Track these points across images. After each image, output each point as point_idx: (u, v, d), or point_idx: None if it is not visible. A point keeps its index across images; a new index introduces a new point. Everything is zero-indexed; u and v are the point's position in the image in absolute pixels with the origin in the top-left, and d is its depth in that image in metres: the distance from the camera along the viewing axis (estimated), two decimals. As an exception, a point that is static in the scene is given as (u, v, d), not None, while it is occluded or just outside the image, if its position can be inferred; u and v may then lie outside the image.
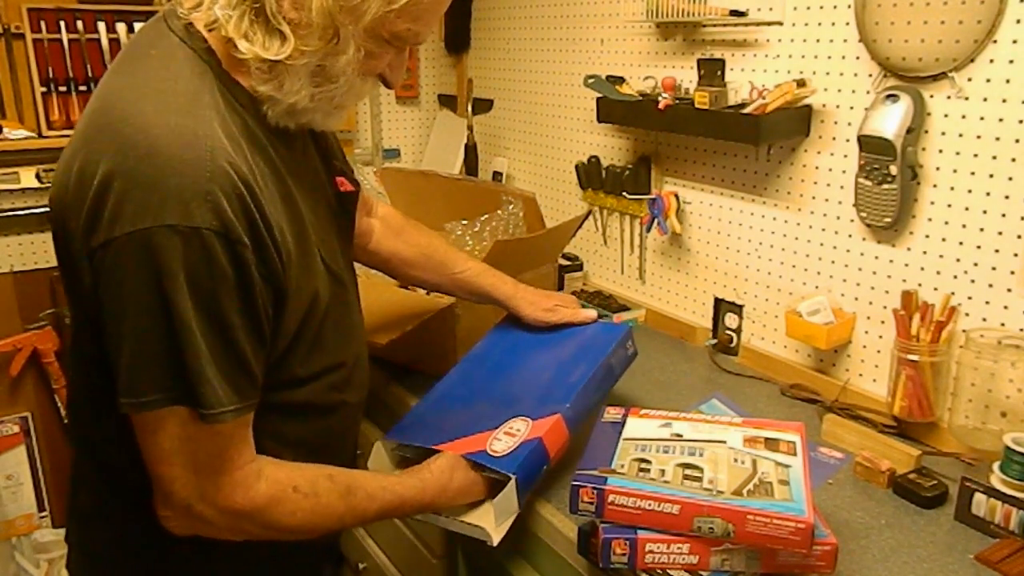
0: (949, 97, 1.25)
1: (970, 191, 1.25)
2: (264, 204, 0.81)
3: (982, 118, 1.21)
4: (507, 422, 1.11)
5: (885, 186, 1.31)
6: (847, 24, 1.37)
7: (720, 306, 1.71)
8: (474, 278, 1.34)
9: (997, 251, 1.23)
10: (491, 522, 1.03)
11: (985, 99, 1.21)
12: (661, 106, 1.58)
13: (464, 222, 1.68)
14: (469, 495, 1.06)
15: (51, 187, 0.85)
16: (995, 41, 1.18)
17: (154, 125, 0.77)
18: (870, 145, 1.31)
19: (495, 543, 1.03)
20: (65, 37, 2.12)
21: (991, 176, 1.22)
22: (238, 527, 0.88)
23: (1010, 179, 1.20)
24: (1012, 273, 1.21)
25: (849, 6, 1.36)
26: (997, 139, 1.20)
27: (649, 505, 0.93)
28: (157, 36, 0.85)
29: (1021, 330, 1.21)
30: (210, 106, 0.81)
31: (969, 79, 1.22)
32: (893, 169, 1.29)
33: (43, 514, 2.38)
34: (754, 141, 1.47)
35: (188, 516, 0.85)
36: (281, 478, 0.89)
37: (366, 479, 0.98)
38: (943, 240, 1.29)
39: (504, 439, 1.08)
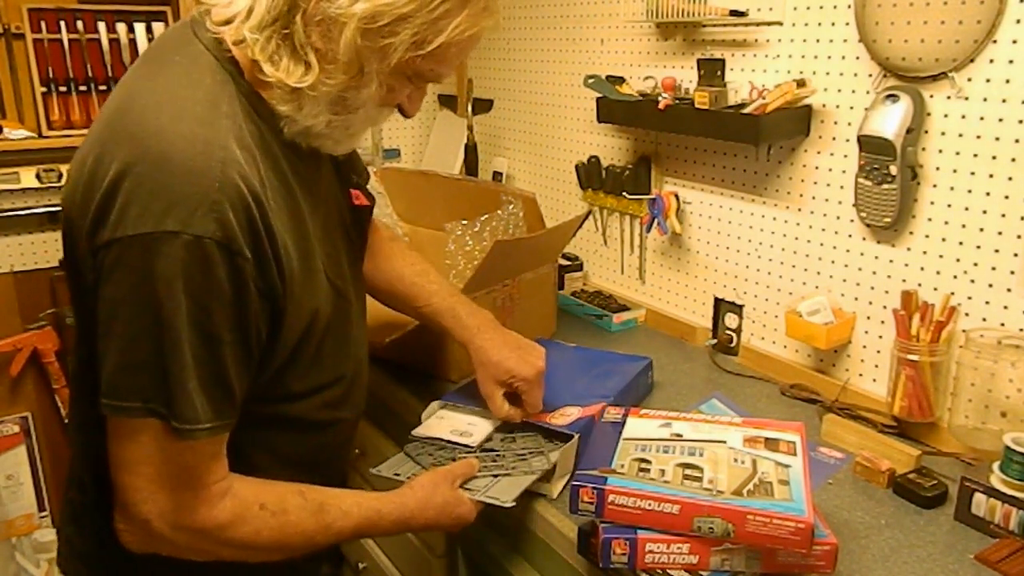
0: (949, 97, 1.25)
1: (970, 191, 1.25)
2: (271, 218, 0.81)
3: (982, 118, 1.21)
4: (560, 408, 1.24)
5: (885, 186, 1.31)
6: (847, 24, 1.37)
7: (720, 306, 1.71)
8: (434, 316, 1.26)
9: (997, 251, 1.23)
10: (551, 481, 1.13)
11: (985, 99, 1.21)
12: (661, 106, 1.58)
13: (464, 222, 1.67)
14: (452, 512, 1.04)
15: (64, 184, 0.85)
16: (995, 41, 1.18)
17: (169, 131, 0.77)
18: (870, 145, 1.31)
19: (555, 496, 1.13)
20: (65, 37, 2.12)
21: (991, 176, 1.22)
22: (200, 547, 0.86)
23: (1010, 179, 1.20)
24: (1012, 273, 1.21)
25: (849, 6, 1.36)
26: (997, 139, 1.20)
27: (649, 505, 0.93)
28: (182, 42, 0.86)
29: (1021, 330, 1.21)
30: (227, 115, 0.81)
31: (969, 79, 1.22)
32: (893, 169, 1.29)
33: (43, 514, 2.38)
34: (754, 141, 1.47)
35: (145, 532, 0.83)
36: (248, 495, 0.87)
37: (341, 496, 0.96)
38: (943, 240, 1.29)
39: (560, 418, 1.21)
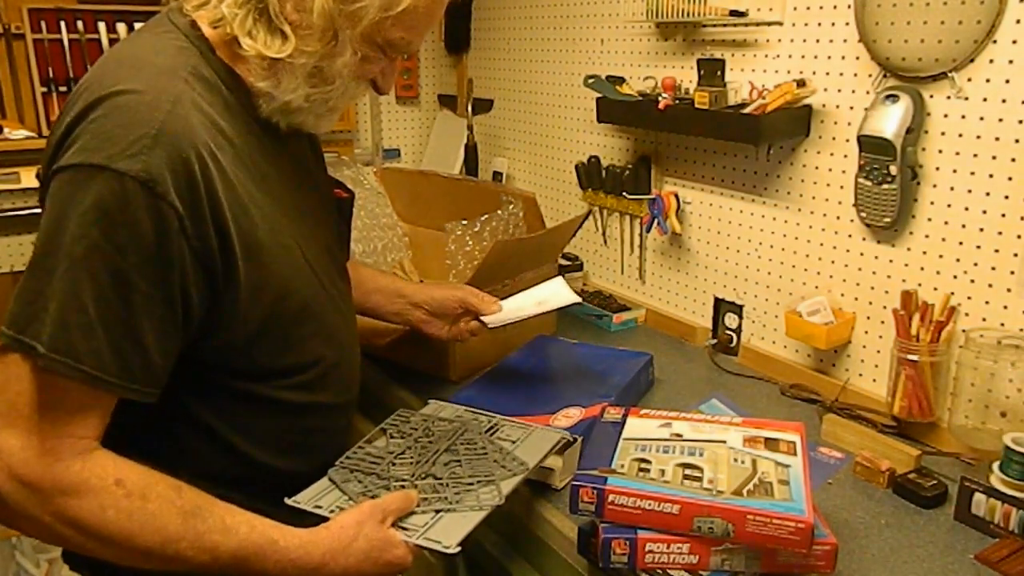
0: (949, 97, 1.25)
1: (970, 191, 1.25)
2: (218, 181, 0.81)
3: (982, 118, 1.21)
4: (562, 409, 1.25)
5: (885, 186, 1.31)
6: (847, 24, 1.37)
7: (720, 306, 1.71)
8: (370, 280, 1.33)
9: (997, 251, 1.23)
10: (556, 476, 1.16)
11: (985, 99, 1.21)
12: (661, 106, 1.59)
13: (464, 222, 1.68)
14: (380, 558, 0.88)
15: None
16: (995, 41, 1.18)
17: (124, 83, 0.79)
18: (870, 145, 1.31)
19: (559, 488, 1.15)
20: (65, 37, 2.12)
21: (991, 176, 1.22)
22: (32, 512, 0.75)
23: (1010, 179, 1.20)
24: (1012, 273, 1.21)
25: (849, 6, 1.36)
26: (997, 139, 1.20)
27: (649, 505, 0.93)
28: (154, 24, 0.90)
29: (1021, 330, 1.21)
30: (185, 80, 0.83)
31: (969, 79, 1.22)
32: (893, 169, 1.29)
33: (43, 514, 2.38)
34: (754, 141, 1.48)
35: None
36: (107, 466, 0.78)
37: (230, 509, 0.83)
38: (943, 240, 1.29)
39: (563, 420, 1.22)
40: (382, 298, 1.32)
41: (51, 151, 0.80)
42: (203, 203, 0.79)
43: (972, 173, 1.24)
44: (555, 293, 1.35)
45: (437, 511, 0.94)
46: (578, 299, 1.36)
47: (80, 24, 2.14)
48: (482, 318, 1.30)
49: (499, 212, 1.68)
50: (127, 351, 0.76)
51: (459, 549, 0.87)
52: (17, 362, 0.75)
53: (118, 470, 0.78)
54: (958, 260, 1.28)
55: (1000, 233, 1.22)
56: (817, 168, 1.47)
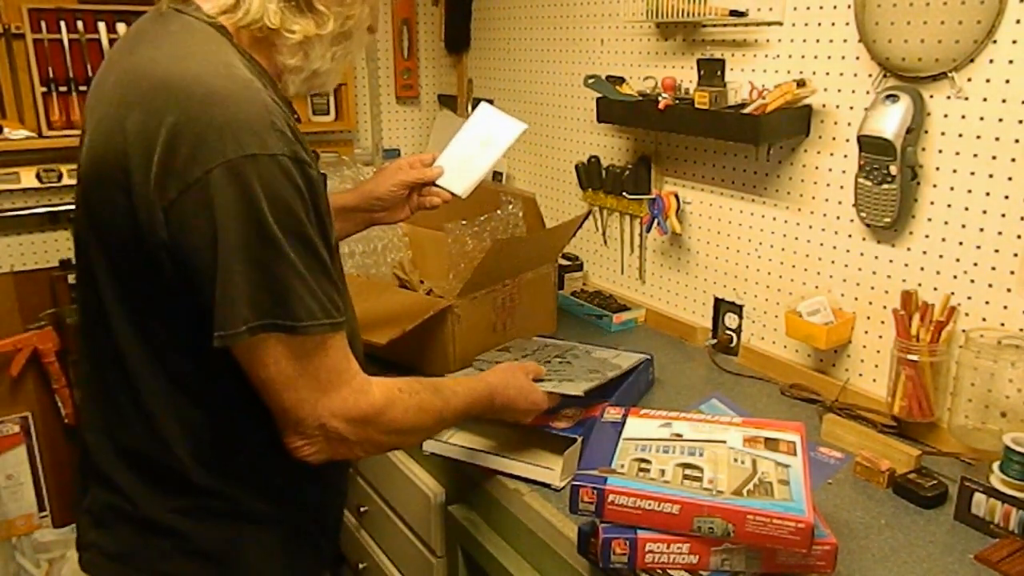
0: (949, 97, 1.25)
1: (970, 191, 1.25)
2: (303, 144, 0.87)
3: (982, 118, 1.21)
4: (561, 411, 1.26)
5: (885, 186, 1.31)
6: (847, 24, 1.37)
7: (720, 306, 1.71)
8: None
9: (997, 251, 1.23)
10: (556, 476, 1.19)
11: (985, 99, 1.21)
12: (661, 106, 1.59)
13: (464, 222, 1.67)
14: (527, 396, 1.16)
15: (90, 150, 0.86)
16: (995, 41, 1.18)
17: (205, 74, 0.81)
18: (870, 145, 1.31)
19: (559, 488, 1.19)
20: (65, 37, 2.12)
21: (991, 176, 1.22)
22: (370, 436, 0.92)
23: (1010, 179, 1.20)
24: (1012, 273, 1.21)
25: (849, 6, 1.36)
26: (997, 139, 1.20)
27: (649, 505, 0.93)
28: (169, 20, 0.89)
29: (1021, 330, 1.21)
30: (240, 67, 0.86)
31: (969, 79, 1.22)
32: (893, 169, 1.29)
33: (43, 514, 2.38)
34: (754, 141, 1.48)
35: (323, 437, 0.88)
36: (386, 384, 0.94)
37: (442, 379, 1.08)
38: (943, 240, 1.29)
39: (563, 420, 1.25)
40: (340, 224, 1.34)
41: (155, 167, 0.79)
42: (312, 161, 0.86)
43: (972, 173, 1.24)
44: (495, 126, 1.33)
45: (560, 379, 1.25)
46: (524, 125, 1.32)
47: (80, 24, 2.14)
48: (452, 191, 1.32)
49: (499, 212, 1.68)
50: (335, 297, 0.87)
51: (584, 395, 1.21)
52: (285, 346, 0.83)
53: (392, 383, 0.95)
54: (958, 260, 1.28)
55: (1000, 233, 1.22)
56: (817, 168, 1.47)
